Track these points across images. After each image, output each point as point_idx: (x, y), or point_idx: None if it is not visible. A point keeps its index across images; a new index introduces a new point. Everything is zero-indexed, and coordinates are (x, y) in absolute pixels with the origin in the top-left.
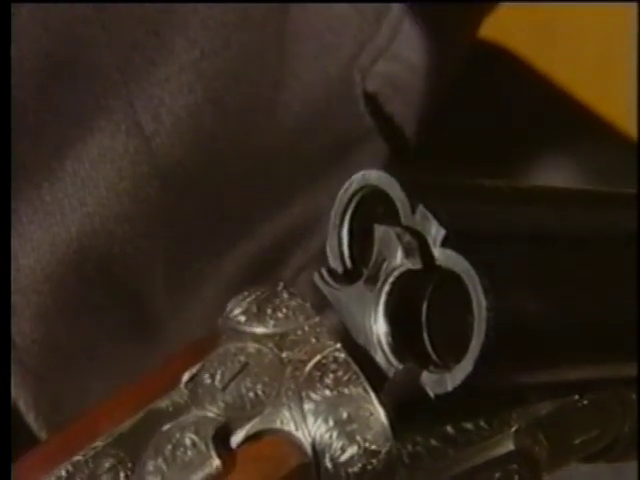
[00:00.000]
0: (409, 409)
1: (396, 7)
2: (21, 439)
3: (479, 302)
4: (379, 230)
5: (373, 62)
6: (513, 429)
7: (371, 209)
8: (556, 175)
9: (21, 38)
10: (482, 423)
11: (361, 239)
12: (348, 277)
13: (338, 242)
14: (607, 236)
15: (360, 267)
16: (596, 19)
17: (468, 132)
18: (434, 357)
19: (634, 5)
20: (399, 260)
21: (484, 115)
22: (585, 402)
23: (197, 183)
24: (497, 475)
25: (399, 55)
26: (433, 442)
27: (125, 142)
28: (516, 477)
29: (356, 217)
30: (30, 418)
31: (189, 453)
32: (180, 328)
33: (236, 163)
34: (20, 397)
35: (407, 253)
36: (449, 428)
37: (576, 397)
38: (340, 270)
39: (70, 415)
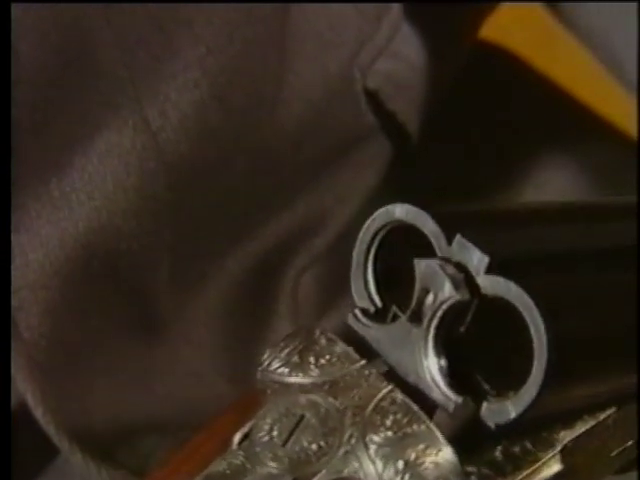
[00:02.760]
0: (468, 442)
1: (396, 6)
2: (29, 434)
3: (537, 326)
4: (420, 264)
5: (373, 60)
6: (558, 449)
7: (392, 244)
8: (556, 175)
9: (31, 34)
10: (528, 445)
11: (385, 275)
12: (380, 316)
13: (364, 282)
14: (629, 245)
15: (388, 304)
16: None
17: (468, 132)
18: (486, 387)
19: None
20: (447, 293)
21: (484, 115)
22: (619, 413)
23: (202, 180)
24: None
25: (399, 53)
26: (484, 471)
27: (132, 138)
28: None
29: (379, 254)
30: (38, 413)
31: None
32: (183, 327)
33: (239, 160)
34: (28, 391)
35: (455, 285)
36: (498, 454)
37: (613, 409)
38: (371, 310)
39: (75, 411)
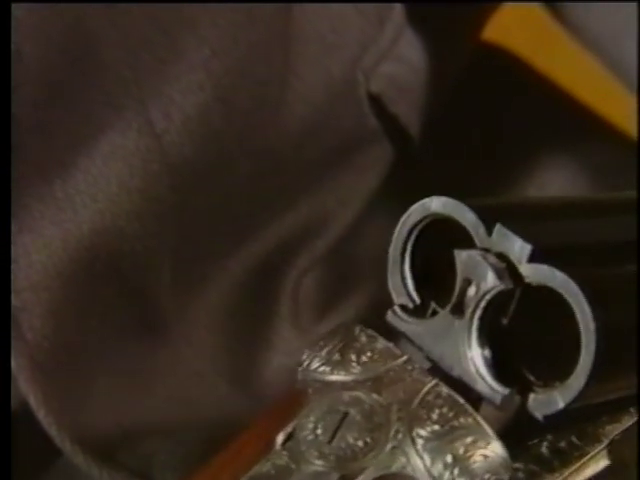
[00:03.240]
0: (515, 437)
1: (399, 9)
2: (31, 435)
3: (584, 314)
4: (461, 255)
5: (376, 63)
6: (605, 443)
7: (427, 239)
8: (556, 175)
9: (36, 34)
10: (575, 440)
11: (421, 270)
12: (420, 311)
13: (402, 279)
14: None
15: (426, 300)
16: None
17: (468, 132)
18: (532, 378)
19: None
20: (490, 283)
21: (484, 115)
22: None
23: (205, 182)
24: None
25: (402, 56)
26: (532, 467)
27: (136, 140)
28: None
29: (416, 250)
30: (41, 414)
31: None
32: (185, 328)
33: (242, 163)
34: (30, 393)
35: (498, 274)
36: (544, 449)
37: None
38: (410, 306)
39: (77, 412)
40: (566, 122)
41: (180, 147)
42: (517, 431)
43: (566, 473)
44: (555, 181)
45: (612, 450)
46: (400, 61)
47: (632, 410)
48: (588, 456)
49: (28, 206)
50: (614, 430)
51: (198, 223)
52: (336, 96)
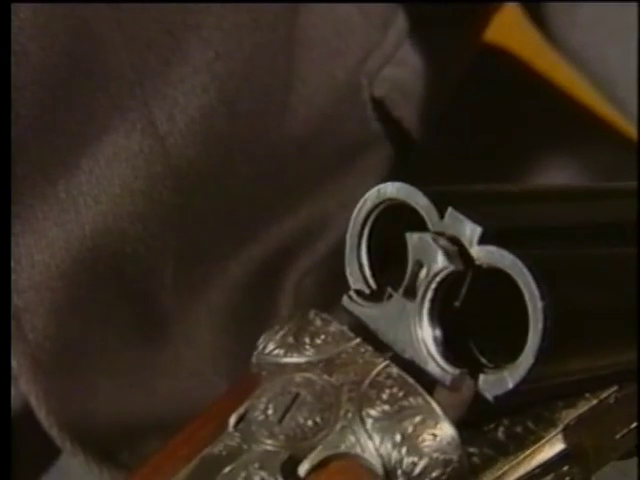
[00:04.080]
0: (472, 420)
1: (402, 13)
2: (32, 435)
3: (532, 293)
4: (412, 238)
5: (380, 68)
6: (560, 428)
7: (384, 225)
8: (556, 175)
9: (42, 35)
10: (530, 425)
11: (378, 256)
12: (376, 296)
13: (359, 265)
14: (628, 221)
15: (383, 285)
16: None
17: (468, 132)
18: (483, 360)
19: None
20: (440, 264)
21: (484, 115)
22: (621, 395)
23: (207, 184)
24: (549, 478)
25: (405, 61)
26: (487, 451)
27: (140, 141)
28: (567, 479)
29: (373, 236)
30: (41, 415)
31: None
32: (185, 329)
33: (245, 165)
34: (31, 393)
35: (448, 256)
36: (500, 434)
37: (614, 388)
38: (367, 291)
39: (78, 412)
40: (566, 122)
41: (183, 149)
42: (473, 417)
43: (521, 457)
44: (554, 181)
45: (567, 435)
46: (403, 65)
47: (588, 395)
48: (543, 440)
49: (31, 206)
50: (569, 415)
51: (200, 225)
52: (340, 100)
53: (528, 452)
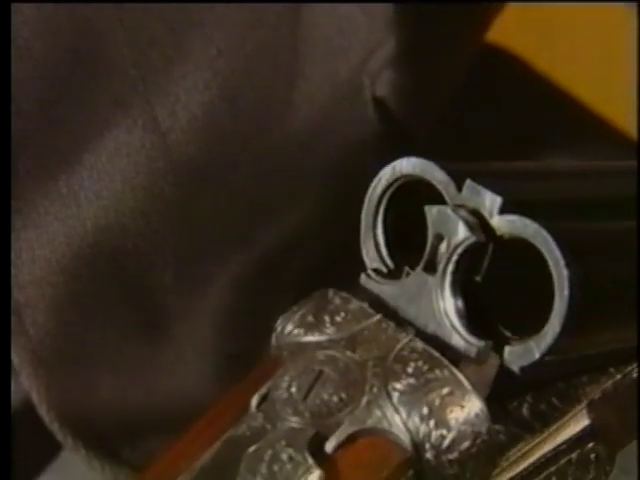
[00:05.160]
0: (495, 398)
1: (403, 14)
2: (33, 431)
3: (557, 261)
4: (432, 211)
5: (382, 68)
6: (584, 403)
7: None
8: None
9: (45, 32)
10: (555, 401)
11: (393, 234)
12: (394, 274)
13: (375, 244)
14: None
15: (400, 264)
16: (596, 19)
17: (468, 132)
18: (508, 333)
19: (634, 5)
20: (461, 236)
21: (484, 115)
22: None
23: (209, 181)
24: (574, 456)
25: (407, 61)
26: (512, 429)
27: (142, 137)
28: (592, 456)
29: (388, 213)
30: (42, 410)
31: (287, 467)
32: (186, 327)
33: (247, 162)
34: (33, 388)
35: (469, 226)
36: (525, 411)
37: (635, 366)
38: (384, 270)
39: (79, 408)
40: (566, 122)
41: (185, 145)
42: (498, 393)
43: (546, 433)
44: None
45: (592, 410)
46: (405, 65)
47: (612, 370)
48: (568, 416)
49: (33, 202)
50: (593, 390)
51: (201, 221)
52: (341, 98)
53: (553, 428)
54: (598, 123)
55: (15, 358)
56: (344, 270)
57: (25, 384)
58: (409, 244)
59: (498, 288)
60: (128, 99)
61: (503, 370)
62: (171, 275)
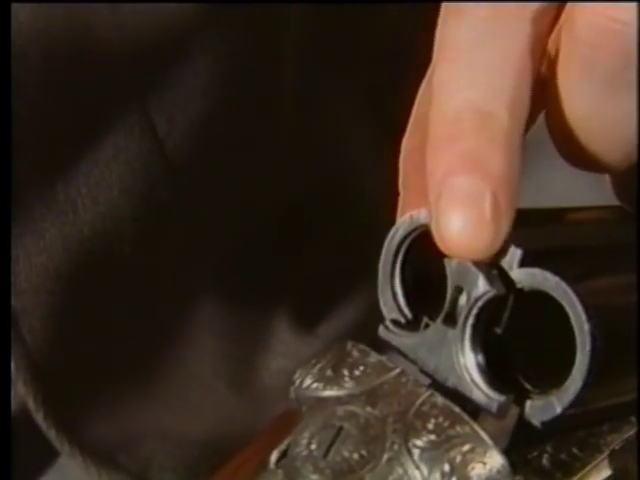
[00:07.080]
0: (515, 448)
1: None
2: (30, 437)
3: (578, 315)
4: (451, 263)
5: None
6: (606, 453)
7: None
8: (557, 176)
9: (41, 37)
10: (576, 451)
11: (412, 283)
12: (412, 325)
13: (392, 294)
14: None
15: (419, 314)
16: None
17: None
18: (528, 386)
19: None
20: (481, 289)
21: None
22: None
23: (206, 187)
24: None
25: (408, 61)
26: (533, 479)
27: (139, 143)
28: None
29: (406, 263)
30: (39, 417)
31: None
32: (184, 332)
33: (244, 168)
34: (29, 395)
35: (489, 279)
36: (545, 462)
37: None
38: (402, 321)
39: (76, 414)
40: None
41: (182, 152)
42: (516, 445)
43: None
44: (555, 181)
45: (613, 460)
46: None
47: (632, 419)
48: (590, 466)
49: (30, 208)
50: (615, 440)
51: (198, 227)
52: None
53: (575, 479)
54: None
55: (12, 365)
56: (343, 269)
57: (22, 391)
58: (426, 293)
59: (519, 339)
60: (125, 105)
61: (523, 421)
62: (169, 280)
